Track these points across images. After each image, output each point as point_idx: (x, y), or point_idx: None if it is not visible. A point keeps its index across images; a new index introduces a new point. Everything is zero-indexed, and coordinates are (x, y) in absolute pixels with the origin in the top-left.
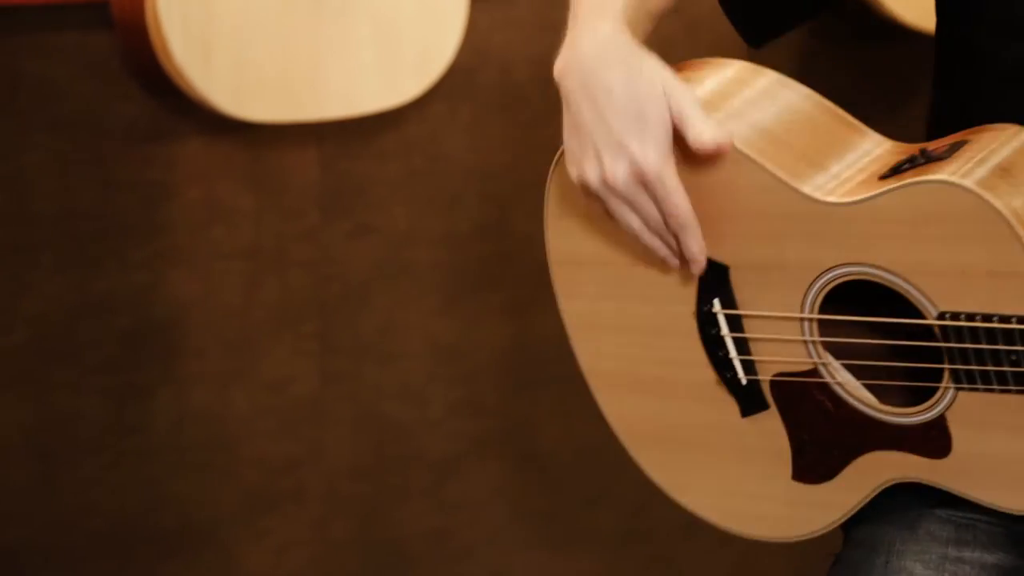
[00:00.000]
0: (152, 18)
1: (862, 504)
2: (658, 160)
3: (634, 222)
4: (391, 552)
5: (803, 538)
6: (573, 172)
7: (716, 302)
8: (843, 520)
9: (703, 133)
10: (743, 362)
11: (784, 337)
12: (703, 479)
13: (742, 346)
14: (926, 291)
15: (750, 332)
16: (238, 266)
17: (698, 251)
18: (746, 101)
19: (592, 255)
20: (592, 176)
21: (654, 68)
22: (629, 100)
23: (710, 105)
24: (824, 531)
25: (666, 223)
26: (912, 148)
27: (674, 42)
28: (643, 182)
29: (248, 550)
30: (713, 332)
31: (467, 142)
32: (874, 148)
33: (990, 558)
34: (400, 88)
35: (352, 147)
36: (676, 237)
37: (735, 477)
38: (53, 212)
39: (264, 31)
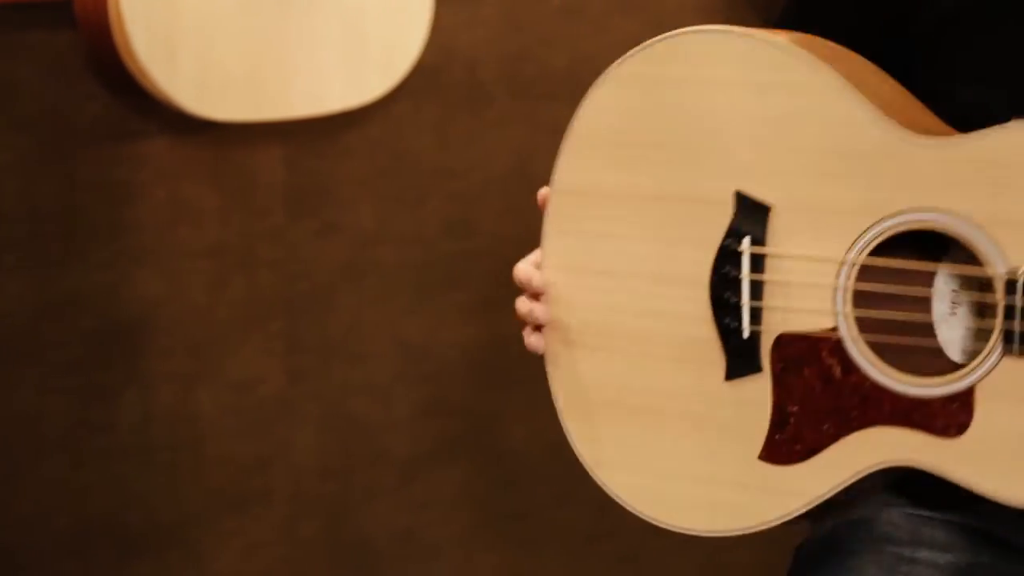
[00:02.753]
0: (115, 17)
1: (826, 497)
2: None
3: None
4: (358, 552)
5: (738, 533)
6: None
7: (746, 240)
8: (799, 513)
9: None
10: (752, 310)
11: (812, 281)
12: (640, 456)
13: (757, 291)
14: (1002, 243)
15: (771, 275)
16: (204, 265)
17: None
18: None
19: (611, 186)
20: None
21: None
22: None
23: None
24: (771, 525)
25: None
26: None
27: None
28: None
29: (215, 550)
30: (727, 272)
31: (433, 140)
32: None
33: (942, 558)
34: (366, 86)
35: (318, 146)
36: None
37: (684, 455)
38: (17, 211)
39: (228, 30)
